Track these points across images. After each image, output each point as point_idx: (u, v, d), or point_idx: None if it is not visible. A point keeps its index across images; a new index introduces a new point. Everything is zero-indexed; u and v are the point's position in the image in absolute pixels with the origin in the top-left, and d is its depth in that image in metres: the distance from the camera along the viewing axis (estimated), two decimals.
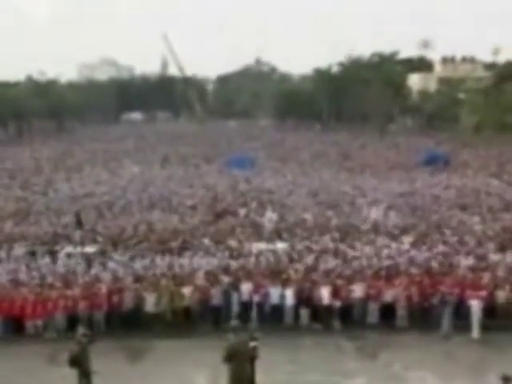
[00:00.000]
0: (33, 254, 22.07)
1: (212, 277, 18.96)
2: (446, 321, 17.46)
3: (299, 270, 19.40)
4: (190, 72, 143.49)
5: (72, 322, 17.25)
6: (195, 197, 33.21)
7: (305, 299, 18.23)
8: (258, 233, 24.67)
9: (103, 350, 15.09)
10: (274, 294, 18.27)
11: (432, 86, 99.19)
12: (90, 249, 22.42)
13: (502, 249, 21.64)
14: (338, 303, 18.11)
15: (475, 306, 17.38)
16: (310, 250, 21.85)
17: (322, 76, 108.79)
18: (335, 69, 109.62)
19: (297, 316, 18.31)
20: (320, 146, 66.21)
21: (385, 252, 21.24)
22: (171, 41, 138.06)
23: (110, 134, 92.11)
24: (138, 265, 20.38)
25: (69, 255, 21.73)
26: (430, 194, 33.40)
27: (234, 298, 18.28)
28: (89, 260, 21.13)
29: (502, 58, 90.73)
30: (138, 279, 19.00)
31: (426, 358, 16.10)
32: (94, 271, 19.85)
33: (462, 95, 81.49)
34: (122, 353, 16.67)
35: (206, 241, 23.17)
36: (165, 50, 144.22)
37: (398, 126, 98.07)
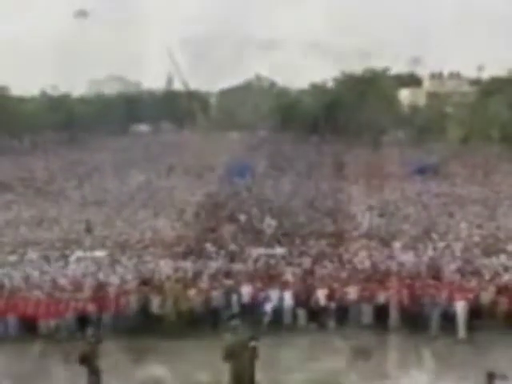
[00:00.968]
0: (46, 258, 22.12)
1: (214, 280, 18.96)
2: (435, 322, 17.48)
3: (297, 274, 19.39)
4: (193, 86, 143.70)
5: (82, 322, 17.26)
6: (199, 204, 33.26)
7: (302, 301, 18.21)
8: (257, 238, 24.69)
9: (110, 349, 15.09)
10: (273, 296, 18.24)
11: (421, 100, 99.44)
12: (99, 253, 22.45)
13: (487, 254, 21.68)
14: (333, 305, 18.11)
15: (461, 307, 17.39)
16: (306, 254, 21.87)
17: (318, 90, 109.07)
18: (330, 84, 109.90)
19: (295, 316, 18.29)
20: (316, 156, 66.24)
21: (377, 256, 21.26)
22: (176, 57, 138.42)
23: (118, 145, 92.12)
24: (145, 268, 20.42)
25: (79, 259, 21.78)
26: (420, 202, 33.46)
27: (234, 300, 18.27)
28: (98, 264, 21.18)
29: (485, 75, 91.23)
30: (144, 282, 19.01)
31: (416, 357, 16.11)
32: (102, 275, 19.89)
33: (449, 109, 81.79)
34: (128, 352, 16.62)
35: (209, 246, 23.21)
36: (170, 66, 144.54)
37: (391, 137, 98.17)
